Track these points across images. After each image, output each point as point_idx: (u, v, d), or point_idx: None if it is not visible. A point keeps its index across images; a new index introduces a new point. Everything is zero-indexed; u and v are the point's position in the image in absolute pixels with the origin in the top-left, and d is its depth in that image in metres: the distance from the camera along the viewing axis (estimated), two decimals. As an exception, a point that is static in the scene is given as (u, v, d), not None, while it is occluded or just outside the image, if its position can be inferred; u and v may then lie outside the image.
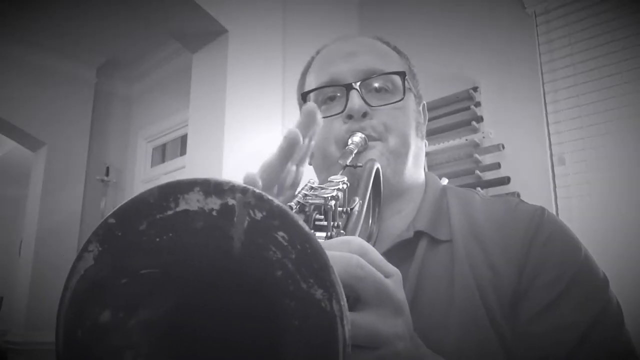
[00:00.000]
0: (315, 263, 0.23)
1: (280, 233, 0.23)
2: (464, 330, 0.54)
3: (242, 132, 2.14)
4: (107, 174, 3.90)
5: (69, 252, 3.52)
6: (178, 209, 0.24)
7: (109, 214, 0.24)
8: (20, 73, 3.55)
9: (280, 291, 0.23)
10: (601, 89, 2.02)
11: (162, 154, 4.03)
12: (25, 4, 3.13)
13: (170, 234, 0.24)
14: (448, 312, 0.56)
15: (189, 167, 2.28)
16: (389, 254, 0.62)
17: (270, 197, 0.23)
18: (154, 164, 4.02)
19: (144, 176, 3.99)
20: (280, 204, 0.23)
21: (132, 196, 0.24)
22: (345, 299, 0.23)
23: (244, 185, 0.23)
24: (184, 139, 3.63)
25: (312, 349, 0.23)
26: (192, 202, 0.23)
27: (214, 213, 0.23)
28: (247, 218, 0.23)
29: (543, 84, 2.17)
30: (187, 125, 2.50)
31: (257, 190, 0.23)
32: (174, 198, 0.23)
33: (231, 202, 0.23)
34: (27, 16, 3.29)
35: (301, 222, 0.23)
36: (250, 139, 2.17)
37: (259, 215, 0.23)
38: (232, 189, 0.23)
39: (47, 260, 3.37)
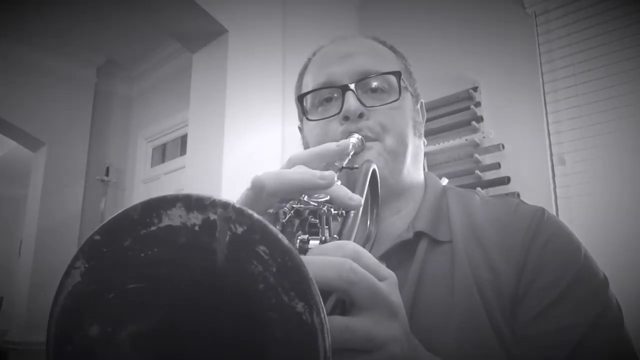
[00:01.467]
0: (295, 276, 0.23)
1: (261, 247, 0.23)
2: (465, 331, 0.54)
3: (242, 132, 2.14)
4: (107, 174, 3.90)
5: (69, 252, 3.51)
6: (161, 225, 0.24)
7: (95, 230, 0.25)
8: (20, 73, 3.55)
9: (262, 304, 0.24)
10: (601, 89, 2.02)
11: (162, 154, 4.03)
12: (25, 4, 3.13)
13: (155, 249, 0.25)
14: (448, 313, 0.56)
15: (189, 167, 2.28)
16: (388, 255, 0.62)
17: (250, 212, 0.24)
18: (154, 164, 4.02)
19: (144, 176, 3.99)
20: (261, 218, 0.24)
21: (120, 211, 0.25)
22: (325, 312, 0.24)
23: (225, 200, 0.24)
24: (184, 139, 3.63)
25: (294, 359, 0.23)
26: (175, 217, 0.24)
27: (197, 228, 0.24)
28: (229, 232, 0.24)
29: (543, 84, 2.17)
30: (187, 125, 2.50)
31: (237, 205, 0.24)
32: (157, 214, 0.24)
33: (212, 217, 0.24)
34: (27, 16, 3.29)
35: (281, 236, 0.24)
36: (250, 139, 2.17)
37: (239, 230, 0.24)
38: (212, 204, 0.24)
39: (47, 261, 3.38)
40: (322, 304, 0.24)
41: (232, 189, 2.01)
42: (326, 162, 0.52)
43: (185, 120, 2.97)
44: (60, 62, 3.73)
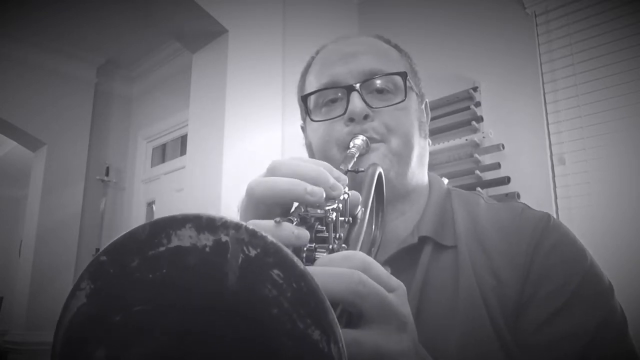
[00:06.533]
0: (312, 302, 0.23)
1: (276, 271, 0.23)
2: (468, 339, 0.54)
3: (242, 132, 2.14)
4: (107, 174, 3.90)
5: (69, 252, 3.52)
6: (170, 245, 0.23)
7: (101, 251, 0.24)
8: (20, 73, 3.55)
9: (276, 329, 0.23)
10: (601, 89, 2.02)
11: (162, 154, 4.03)
12: (25, 4, 3.13)
13: (164, 270, 0.24)
14: (452, 320, 0.56)
15: (189, 167, 2.28)
16: (393, 260, 0.61)
17: (263, 234, 0.23)
18: (154, 164, 4.02)
19: (143, 176, 3.99)
20: (275, 241, 0.23)
21: (124, 232, 0.24)
22: (343, 342, 0.23)
23: (237, 221, 0.23)
24: (184, 139, 3.63)
25: None
26: (185, 238, 0.23)
27: (207, 249, 0.23)
28: (241, 255, 0.23)
29: (543, 84, 2.17)
30: (187, 125, 2.50)
31: (250, 227, 0.23)
32: (166, 234, 0.23)
33: (224, 238, 0.23)
34: (27, 16, 3.29)
35: (296, 260, 0.23)
36: (250, 139, 2.17)
37: (252, 252, 0.23)
38: (224, 225, 0.23)
39: (47, 260, 3.38)
40: (341, 333, 0.23)
41: (232, 189, 2.01)
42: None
43: (185, 120, 2.97)
44: (60, 62, 3.73)
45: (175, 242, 0.23)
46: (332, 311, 0.23)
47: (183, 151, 3.63)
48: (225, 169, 2.03)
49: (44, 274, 3.34)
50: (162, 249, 0.23)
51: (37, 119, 3.56)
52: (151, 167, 4.01)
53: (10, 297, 4.73)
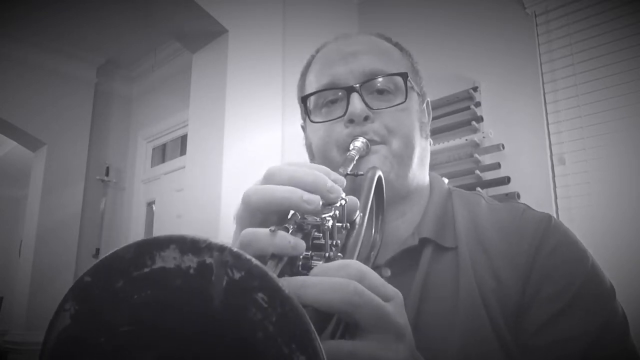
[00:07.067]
0: (296, 328, 0.22)
1: (260, 294, 0.22)
2: (468, 341, 0.54)
3: (242, 132, 2.14)
4: (107, 174, 3.90)
5: (69, 252, 3.53)
6: (154, 267, 0.23)
7: (85, 272, 0.24)
8: (20, 73, 3.55)
9: (261, 353, 0.23)
10: (601, 89, 2.02)
11: (162, 154, 4.03)
12: (25, 4, 3.13)
13: (148, 291, 0.24)
14: (452, 321, 0.55)
15: (189, 167, 2.28)
16: (393, 262, 0.61)
17: (248, 257, 0.23)
18: (154, 164, 4.02)
19: (143, 176, 3.99)
20: (259, 264, 0.23)
21: (109, 253, 0.24)
22: None
23: (221, 243, 0.23)
24: (184, 139, 3.63)
25: None
26: (169, 259, 0.23)
27: (192, 271, 0.23)
28: (226, 277, 0.23)
29: (543, 84, 2.17)
30: (187, 125, 2.50)
31: (235, 249, 0.23)
32: (150, 255, 0.23)
33: (208, 260, 0.23)
34: (27, 16, 3.29)
35: (281, 284, 0.23)
36: (250, 139, 2.17)
37: (237, 275, 0.23)
38: (208, 246, 0.23)
39: (47, 260, 3.38)
40: (325, 358, 0.22)
41: (232, 189, 2.01)
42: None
43: (185, 120, 2.97)
44: (60, 62, 3.73)
45: (159, 264, 0.23)
46: (318, 337, 0.23)
47: (183, 151, 3.63)
48: (225, 169, 2.03)
49: (44, 274, 3.34)
50: (146, 269, 0.23)
51: (37, 119, 3.55)
52: (151, 167, 4.01)
53: (10, 297, 4.73)
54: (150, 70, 4.02)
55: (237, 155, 2.09)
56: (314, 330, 0.23)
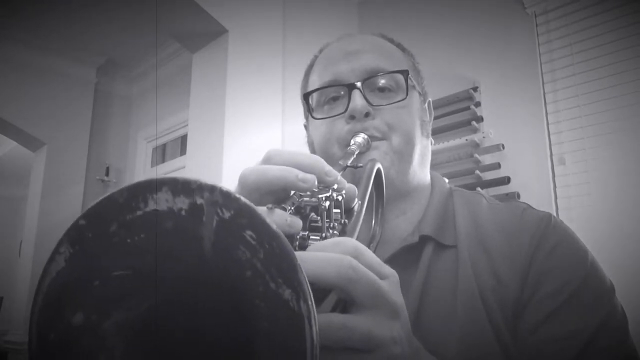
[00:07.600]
0: (283, 263, 0.23)
1: (249, 232, 0.23)
2: (467, 338, 0.54)
3: (242, 132, 2.14)
4: (107, 174, 3.90)
5: (69, 252, 3.52)
6: (147, 209, 0.23)
7: (80, 215, 0.24)
8: (20, 73, 3.55)
9: (250, 292, 0.23)
10: (601, 89, 2.02)
11: (162, 154, 4.03)
12: (25, 4, 3.13)
13: (142, 235, 0.24)
14: (452, 319, 0.56)
15: (189, 167, 2.28)
16: (394, 259, 0.61)
17: (237, 195, 0.23)
18: (154, 164, 4.02)
19: (144, 176, 3.99)
20: (248, 202, 0.23)
21: (103, 196, 0.24)
22: (312, 299, 0.23)
23: (212, 183, 0.23)
24: (184, 139, 3.63)
25: (282, 349, 0.23)
26: (161, 201, 0.23)
27: (183, 213, 0.23)
28: (216, 217, 0.23)
29: (543, 84, 2.17)
30: (187, 125, 2.50)
31: (225, 188, 0.23)
32: (143, 198, 0.23)
33: (199, 201, 0.23)
34: (27, 16, 3.29)
35: (268, 220, 0.23)
36: (250, 139, 2.17)
37: (227, 214, 0.23)
38: (199, 187, 0.23)
39: (47, 261, 3.37)
40: (310, 291, 0.23)
41: (232, 189, 2.01)
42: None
43: (185, 120, 2.97)
44: (60, 62, 3.73)
45: (152, 206, 0.23)
46: (302, 270, 0.23)
47: (183, 151, 3.63)
48: (225, 169, 2.03)
49: (43, 274, 3.33)
50: (139, 212, 0.23)
51: (37, 119, 3.55)
52: (151, 167, 4.01)
53: (10, 297, 4.73)
54: (150, 70, 4.02)
55: (237, 155, 2.09)
56: (299, 263, 0.23)
